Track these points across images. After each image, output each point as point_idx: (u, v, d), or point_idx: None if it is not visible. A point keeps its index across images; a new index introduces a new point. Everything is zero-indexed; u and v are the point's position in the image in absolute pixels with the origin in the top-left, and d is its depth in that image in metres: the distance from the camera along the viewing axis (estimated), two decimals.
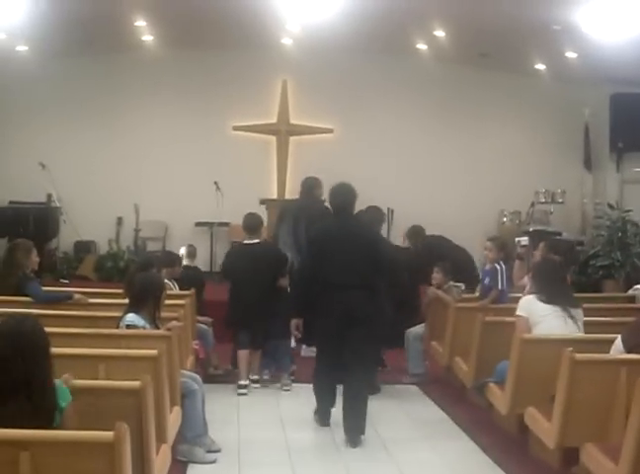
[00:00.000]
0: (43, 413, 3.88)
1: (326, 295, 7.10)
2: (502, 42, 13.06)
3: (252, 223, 9.28)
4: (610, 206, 13.82)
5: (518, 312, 6.81)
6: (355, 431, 6.96)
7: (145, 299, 6.52)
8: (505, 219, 15.07)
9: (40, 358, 3.95)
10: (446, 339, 8.60)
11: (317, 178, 10.44)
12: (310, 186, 10.36)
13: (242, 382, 8.69)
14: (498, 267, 8.67)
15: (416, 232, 10.42)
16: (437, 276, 9.39)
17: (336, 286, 7.05)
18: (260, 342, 8.96)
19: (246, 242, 9.33)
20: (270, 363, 9.24)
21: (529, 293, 7.09)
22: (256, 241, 9.25)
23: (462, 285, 9.50)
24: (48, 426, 3.89)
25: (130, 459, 3.77)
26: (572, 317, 6.67)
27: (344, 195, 7.46)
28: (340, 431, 7.19)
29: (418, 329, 9.42)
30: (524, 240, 10.09)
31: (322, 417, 7.47)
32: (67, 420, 4.01)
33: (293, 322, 7.53)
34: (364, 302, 7.07)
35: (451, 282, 9.43)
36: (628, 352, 5.64)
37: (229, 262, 9.50)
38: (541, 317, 6.65)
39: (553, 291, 6.77)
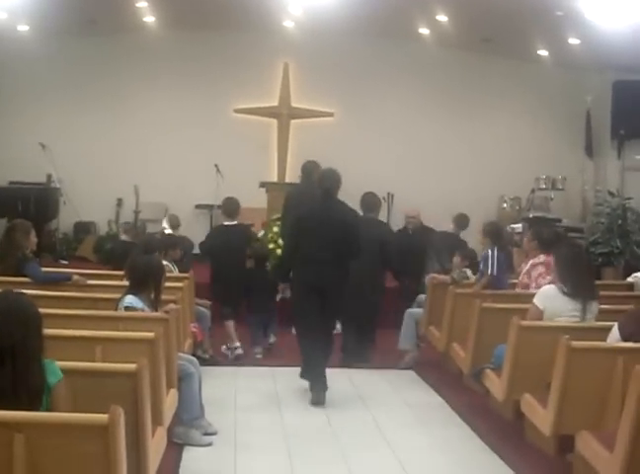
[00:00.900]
0: (27, 388, 3.86)
1: (304, 267, 8.02)
2: (504, 28, 13.03)
3: (230, 207, 10.14)
4: (611, 194, 13.79)
5: (535, 300, 6.69)
6: (322, 387, 7.78)
7: (146, 282, 6.52)
8: (505, 205, 15.07)
9: (29, 331, 3.93)
10: (444, 324, 8.59)
11: (316, 162, 10.45)
12: (310, 170, 10.39)
13: (236, 344, 9.55)
14: (490, 252, 8.68)
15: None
16: (456, 259, 9.44)
17: (312, 260, 7.92)
18: (240, 314, 9.83)
19: (225, 224, 10.22)
20: (261, 340, 9.74)
21: (551, 282, 6.93)
22: (234, 223, 10.11)
23: (467, 271, 9.50)
24: (34, 401, 3.87)
25: (125, 442, 3.76)
26: (589, 312, 6.54)
27: (330, 179, 8.18)
28: (336, 413, 7.31)
29: (417, 309, 9.48)
30: (518, 227, 10.15)
31: (306, 368, 8.04)
32: (58, 399, 3.98)
33: (281, 286, 8.75)
34: (335, 275, 7.94)
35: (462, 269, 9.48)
36: (625, 340, 5.63)
37: (208, 242, 10.32)
38: (557, 314, 6.54)
39: (577, 283, 6.54)
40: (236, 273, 9.76)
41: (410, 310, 9.54)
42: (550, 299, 6.62)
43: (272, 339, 9.86)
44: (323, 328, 8.04)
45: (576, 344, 5.53)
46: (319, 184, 8.23)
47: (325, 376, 7.85)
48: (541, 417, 5.90)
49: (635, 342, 5.51)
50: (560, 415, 5.58)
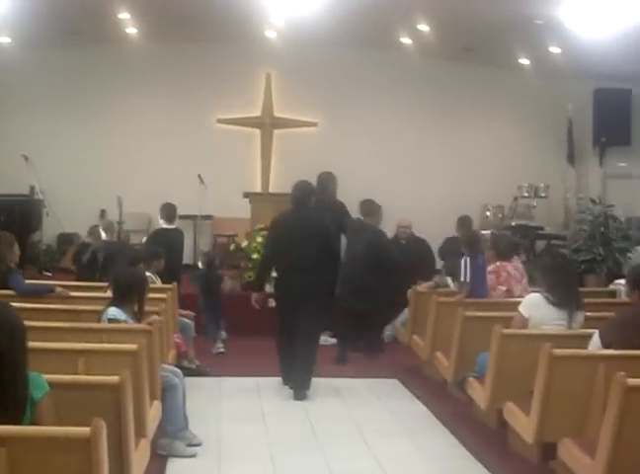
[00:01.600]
0: (12, 400, 3.83)
1: (285, 276, 8.47)
2: (485, 37, 13.10)
3: (169, 212, 10.96)
4: (593, 201, 13.85)
5: (520, 308, 6.72)
6: (301, 385, 8.22)
7: (130, 294, 6.53)
8: (488, 213, 15.11)
9: (13, 343, 3.88)
10: (427, 333, 8.63)
11: (331, 172, 11.16)
12: (325, 180, 11.02)
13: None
14: (463, 260, 8.75)
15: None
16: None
17: (293, 268, 8.30)
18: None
19: (165, 227, 10.98)
20: (217, 335, 10.31)
21: (536, 291, 6.96)
22: (172, 227, 10.99)
23: (448, 278, 9.58)
24: (17, 414, 3.85)
25: (108, 454, 3.77)
26: (575, 322, 6.59)
27: (302, 190, 8.61)
28: (320, 422, 7.33)
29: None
30: (487, 235, 10.33)
31: (284, 375, 8.57)
32: (44, 412, 3.96)
33: (254, 296, 8.76)
34: (315, 282, 8.21)
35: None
36: (606, 347, 5.66)
37: (149, 245, 10.76)
38: (543, 323, 6.57)
39: (564, 292, 6.59)
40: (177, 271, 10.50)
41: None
42: (535, 308, 6.65)
43: (224, 335, 10.29)
44: (303, 336, 8.28)
45: (557, 351, 5.55)
46: (292, 194, 8.64)
47: (305, 376, 8.27)
48: (524, 424, 5.92)
49: (616, 349, 5.55)
50: (542, 422, 5.61)
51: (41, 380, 4.06)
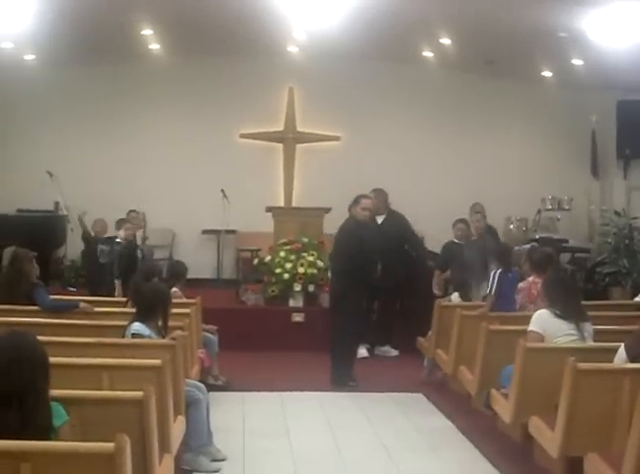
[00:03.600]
0: (35, 429, 3.87)
1: None
2: (508, 50, 13.08)
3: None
4: (617, 213, 13.80)
5: (531, 327, 6.71)
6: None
7: (154, 309, 6.55)
8: (512, 226, 15.04)
9: (37, 373, 3.96)
10: (451, 347, 8.60)
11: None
12: (386, 197, 11.72)
13: None
14: (493, 273, 8.71)
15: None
16: None
17: None
18: None
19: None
20: None
21: (542, 307, 6.96)
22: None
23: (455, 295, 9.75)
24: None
25: (132, 470, 3.77)
26: (585, 332, 6.61)
27: None
28: (344, 438, 7.33)
29: None
30: (524, 248, 10.30)
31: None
32: (63, 439, 3.99)
33: None
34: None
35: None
36: (631, 360, 5.62)
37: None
38: (556, 336, 6.57)
39: (566, 305, 6.65)
40: None
41: None
42: (546, 323, 6.66)
43: None
44: None
45: (582, 365, 5.52)
46: None
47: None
48: (549, 439, 5.88)
49: None
50: (568, 437, 5.57)
51: (61, 410, 4.11)
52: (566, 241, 14.19)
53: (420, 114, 15.55)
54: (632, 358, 5.63)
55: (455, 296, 9.80)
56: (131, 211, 12.71)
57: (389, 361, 11.12)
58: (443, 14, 11.77)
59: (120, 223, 11.48)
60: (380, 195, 11.63)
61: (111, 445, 3.62)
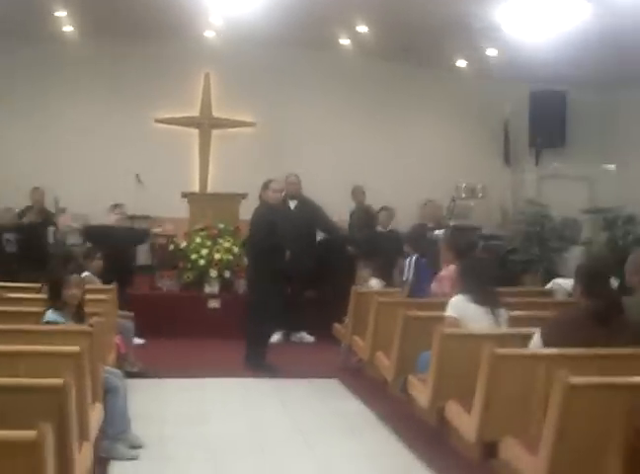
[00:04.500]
0: None
1: None
2: (424, 38, 13.18)
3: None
4: (529, 202, 14.04)
5: (448, 313, 6.82)
6: None
7: (59, 295, 6.47)
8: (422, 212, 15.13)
9: None
10: (368, 333, 8.66)
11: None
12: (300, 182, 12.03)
13: None
14: (408, 259, 8.79)
15: None
16: None
17: None
18: None
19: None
20: None
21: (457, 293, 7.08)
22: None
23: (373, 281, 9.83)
24: None
25: (53, 458, 3.73)
26: (499, 317, 6.77)
27: None
28: (262, 424, 7.37)
29: None
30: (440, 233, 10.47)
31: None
32: None
33: None
34: None
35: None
36: (547, 347, 5.74)
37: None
38: (473, 320, 6.70)
39: (482, 291, 6.80)
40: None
41: None
42: (462, 308, 6.79)
43: None
44: None
45: (499, 351, 5.62)
46: None
47: None
48: (466, 423, 5.98)
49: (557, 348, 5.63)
50: (484, 421, 5.66)
51: None
52: (479, 229, 14.39)
53: (337, 100, 15.55)
54: (548, 344, 5.75)
55: (375, 283, 9.87)
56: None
57: (305, 348, 11.20)
58: (360, 1, 11.82)
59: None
60: (297, 179, 11.74)
61: (33, 433, 3.56)
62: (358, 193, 13.53)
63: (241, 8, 11.66)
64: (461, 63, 14.43)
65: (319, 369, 9.60)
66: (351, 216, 13.18)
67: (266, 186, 9.84)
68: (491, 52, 13.23)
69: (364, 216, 12.65)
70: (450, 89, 15.40)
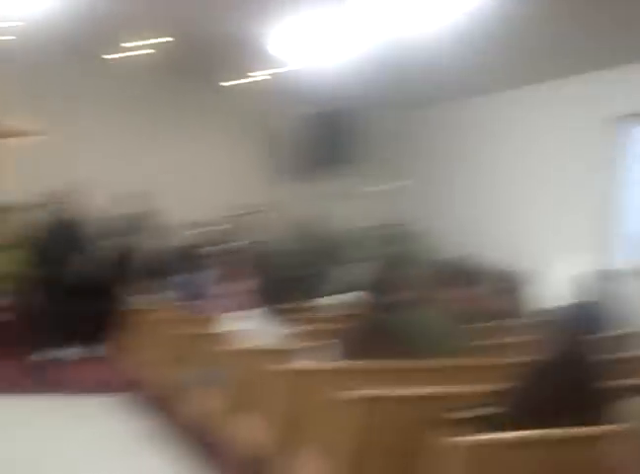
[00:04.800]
0: None
1: None
2: (201, 56, 13.23)
3: None
4: (300, 222, 14.37)
5: (227, 326, 6.96)
6: None
7: None
8: (202, 230, 15.19)
9: None
10: (146, 350, 8.65)
11: None
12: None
13: None
14: (178, 277, 8.90)
15: None
16: None
17: None
18: None
19: None
20: None
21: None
22: None
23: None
24: None
25: None
26: (278, 331, 6.94)
27: None
28: (32, 444, 7.24)
29: None
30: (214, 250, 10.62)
31: None
32: None
33: None
34: None
35: None
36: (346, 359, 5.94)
37: None
38: (252, 335, 6.81)
39: (265, 307, 7.03)
40: None
41: None
42: (241, 324, 6.98)
43: None
44: None
45: (275, 367, 5.79)
46: None
47: None
48: (244, 437, 6.10)
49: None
50: (261, 436, 5.80)
51: None
52: (255, 245, 14.56)
53: (120, 110, 15.36)
54: (344, 357, 5.96)
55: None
56: None
57: (88, 364, 10.97)
58: (133, 17, 11.77)
59: None
60: (71, 192, 11.63)
61: None
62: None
63: (26, 15, 11.33)
64: (237, 82, 14.57)
65: (101, 386, 9.44)
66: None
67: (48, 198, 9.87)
68: (265, 73, 13.47)
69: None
70: (226, 107, 15.52)
